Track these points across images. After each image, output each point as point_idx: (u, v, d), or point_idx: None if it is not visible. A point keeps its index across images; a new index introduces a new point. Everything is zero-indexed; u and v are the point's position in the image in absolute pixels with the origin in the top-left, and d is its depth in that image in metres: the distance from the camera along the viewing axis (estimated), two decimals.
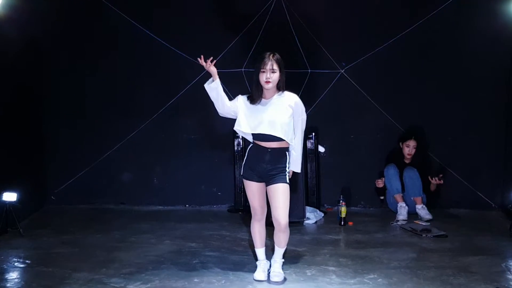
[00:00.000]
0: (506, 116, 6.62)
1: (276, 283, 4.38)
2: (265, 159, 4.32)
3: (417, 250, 5.23)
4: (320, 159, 6.89)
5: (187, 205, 7.04)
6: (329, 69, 6.80)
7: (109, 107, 6.92)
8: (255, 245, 4.56)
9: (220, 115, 4.48)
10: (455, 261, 4.88)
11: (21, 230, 5.60)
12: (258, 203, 4.43)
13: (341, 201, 6.19)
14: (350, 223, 6.18)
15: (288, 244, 4.52)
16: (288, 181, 4.35)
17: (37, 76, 6.71)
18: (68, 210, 6.74)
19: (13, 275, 4.57)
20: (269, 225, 4.48)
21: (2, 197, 5.56)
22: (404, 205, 6.34)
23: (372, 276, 4.51)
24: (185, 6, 6.81)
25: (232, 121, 4.45)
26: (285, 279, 4.44)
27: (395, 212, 6.39)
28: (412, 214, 6.35)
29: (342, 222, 6.15)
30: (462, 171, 6.71)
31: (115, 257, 4.96)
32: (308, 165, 6.68)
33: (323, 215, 6.50)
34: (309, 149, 6.69)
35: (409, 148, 6.57)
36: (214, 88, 4.37)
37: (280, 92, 4.37)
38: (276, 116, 4.29)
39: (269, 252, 4.68)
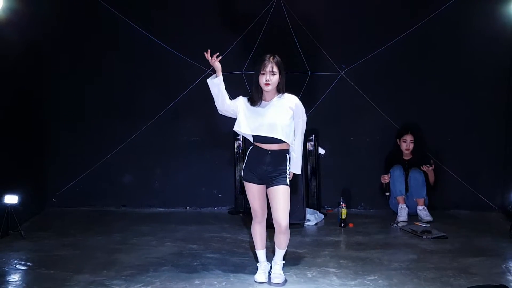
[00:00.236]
0: (506, 116, 6.63)
1: (277, 284, 4.38)
2: (266, 161, 4.33)
3: (418, 252, 5.24)
4: (320, 160, 6.90)
5: (187, 207, 7.05)
6: (329, 71, 6.81)
7: (110, 110, 6.94)
8: (256, 247, 4.57)
9: (220, 112, 4.48)
10: (455, 262, 4.88)
11: (22, 232, 5.60)
12: (259, 205, 4.44)
13: (341, 203, 6.20)
14: (351, 225, 6.18)
15: (288, 246, 4.53)
16: (288, 183, 4.36)
17: (38, 79, 6.73)
18: (69, 212, 6.75)
19: (14, 278, 4.58)
20: (270, 227, 4.49)
21: (3, 200, 5.56)
22: (405, 206, 6.36)
23: (372, 278, 4.51)
24: (185, 8, 6.82)
25: (233, 122, 4.46)
26: (285, 280, 4.44)
27: (396, 213, 6.40)
28: (413, 216, 6.36)
29: (343, 224, 6.16)
30: (462, 172, 6.72)
31: (116, 259, 4.97)
32: (308, 166, 6.69)
33: (323, 216, 6.51)
34: (309, 151, 6.70)
35: (406, 143, 6.58)
36: (217, 84, 4.37)
37: (280, 94, 4.38)
38: (277, 118, 4.30)
39: (270, 254, 4.69)
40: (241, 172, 4.49)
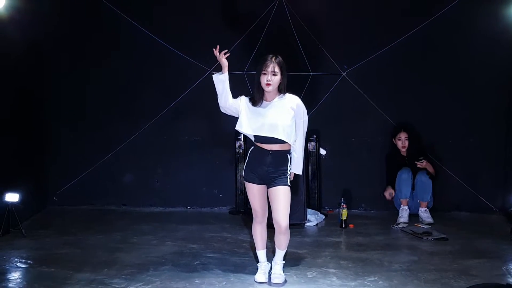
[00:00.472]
0: (507, 118, 6.64)
1: (277, 285, 4.38)
2: (267, 161, 4.33)
3: (418, 253, 5.24)
4: (321, 161, 6.90)
5: (188, 207, 7.06)
6: (330, 71, 6.82)
7: (111, 109, 6.95)
8: (256, 247, 4.57)
9: (222, 110, 4.45)
10: (456, 264, 4.88)
11: (23, 230, 5.61)
12: (259, 205, 4.44)
13: (342, 204, 6.20)
14: (351, 226, 6.19)
15: (289, 246, 4.53)
16: (289, 184, 4.36)
17: (39, 78, 6.73)
18: (70, 211, 6.76)
19: (15, 276, 4.59)
20: (270, 227, 4.49)
21: (4, 198, 5.58)
22: (407, 208, 6.37)
23: (372, 279, 4.51)
24: (187, 8, 6.83)
25: (234, 122, 4.46)
26: (285, 281, 4.44)
27: (398, 209, 6.43)
28: (414, 217, 6.37)
29: (343, 225, 6.16)
30: (463, 174, 6.72)
31: (117, 258, 4.98)
32: (309, 167, 6.69)
33: (324, 217, 6.51)
34: (310, 151, 6.70)
35: (401, 141, 6.60)
36: (222, 81, 4.35)
37: (282, 94, 4.38)
38: (278, 118, 4.30)
39: (270, 254, 4.69)
40: (242, 172, 4.49)
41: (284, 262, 4.53)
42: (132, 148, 6.92)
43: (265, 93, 4.35)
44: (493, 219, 6.54)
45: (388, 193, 6.62)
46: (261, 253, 4.55)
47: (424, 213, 6.34)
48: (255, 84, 4.36)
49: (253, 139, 4.45)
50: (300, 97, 4.44)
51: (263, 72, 4.29)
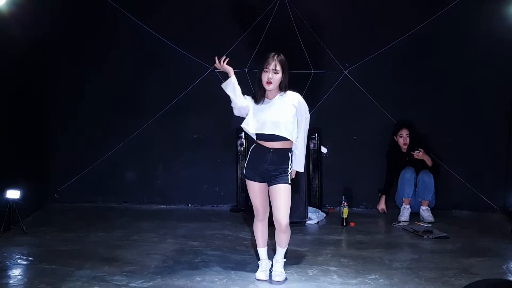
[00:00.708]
0: (509, 117, 6.62)
1: (278, 282, 4.39)
2: (267, 159, 4.33)
3: (419, 251, 5.24)
4: (323, 159, 6.90)
5: (189, 204, 7.06)
6: (332, 70, 6.81)
7: (112, 106, 6.94)
8: (257, 244, 4.57)
9: (236, 113, 4.44)
10: (457, 262, 4.88)
11: (24, 227, 5.62)
12: (260, 203, 4.44)
13: (343, 202, 6.20)
14: (352, 224, 6.18)
15: (290, 244, 4.54)
16: (289, 182, 4.36)
17: (40, 75, 6.73)
18: (71, 208, 6.76)
19: (16, 272, 4.60)
20: (272, 225, 4.49)
21: (5, 195, 5.58)
22: (408, 207, 6.37)
23: (373, 277, 4.52)
24: (189, 6, 6.82)
25: (235, 120, 4.46)
26: (286, 278, 4.45)
27: (399, 208, 6.43)
28: (415, 216, 6.37)
29: (344, 223, 6.16)
30: (464, 173, 6.71)
31: (118, 255, 4.98)
32: (311, 165, 6.68)
33: (325, 215, 6.51)
34: (311, 149, 6.70)
35: (402, 138, 6.61)
36: (232, 84, 4.33)
37: (282, 92, 4.37)
38: (280, 116, 4.30)
39: (271, 251, 4.69)
40: (243, 170, 4.49)
41: (285, 260, 4.54)
42: (133, 145, 6.92)
43: (266, 91, 4.35)
44: (494, 217, 6.54)
45: (381, 208, 6.69)
46: (262, 251, 4.56)
47: (425, 212, 6.34)
48: (256, 81, 4.36)
49: (254, 136, 4.45)
50: (302, 95, 4.44)
51: (265, 70, 4.29)
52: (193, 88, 6.83)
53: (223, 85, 4.38)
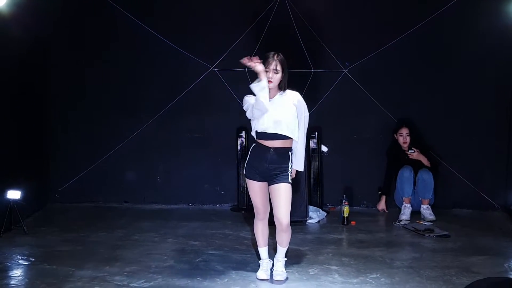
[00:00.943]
0: (509, 116, 6.62)
1: (279, 282, 4.39)
2: (268, 158, 4.33)
3: (420, 250, 5.24)
4: (323, 158, 6.89)
5: (190, 204, 7.06)
6: (332, 68, 6.80)
7: (113, 106, 6.94)
8: (258, 244, 4.57)
9: (250, 117, 4.35)
10: (458, 261, 4.88)
11: (25, 228, 5.62)
12: (261, 202, 4.44)
13: (343, 201, 6.20)
14: (353, 223, 6.18)
15: (290, 243, 4.54)
16: (290, 181, 4.36)
17: (41, 75, 6.73)
18: (71, 208, 6.76)
19: (17, 273, 4.60)
20: (272, 224, 4.49)
21: (6, 195, 5.57)
22: (409, 205, 6.38)
23: (374, 276, 4.51)
24: (189, 5, 6.82)
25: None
26: (287, 278, 4.45)
27: (399, 208, 6.42)
28: (416, 214, 6.37)
29: (345, 222, 6.15)
30: (465, 171, 6.71)
31: (118, 255, 4.98)
32: (311, 164, 6.68)
33: (325, 214, 6.51)
34: (312, 148, 6.70)
35: (402, 137, 6.61)
36: (263, 88, 4.22)
37: (282, 91, 4.37)
38: (281, 114, 4.29)
39: (272, 251, 4.69)
40: (244, 169, 4.49)
41: (286, 259, 4.53)
42: (134, 145, 6.92)
43: None
44: (495, 216, 6.53)
45: (381, 208, 6.70)
46: (263, 250, 4.56)
47: (426, 210, 6.34)
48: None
49: (254, 136, 4.44)
50: (301, 94, 4.44)
51: (265, 70, 4.28)
52: (193, 88, 6.83)
53: (255, 88, 4.24)
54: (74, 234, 5.65)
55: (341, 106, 6.90)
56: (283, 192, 4.31)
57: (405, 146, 6.62)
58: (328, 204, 6.93)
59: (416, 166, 6.48)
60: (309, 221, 6.20)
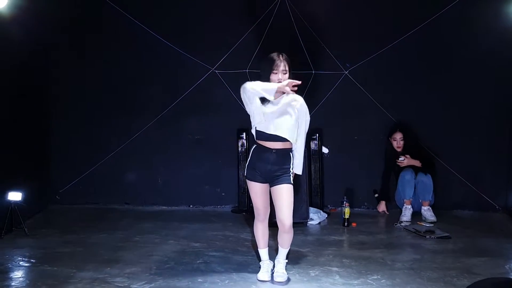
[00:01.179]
0: (510, 117, 6.62)
1: (280, 283, 4.39)
2: (270, 160, 4.32)
3: (421, 252, 5.23)
4: (324, 160, 6.89)
5: (191, 206, 7.06)
6: (333, 70, 6.81)
7: (113, 108, 6.94)
8: (258, 245, 4.57)
9: (242, 96, 4.29)
10: (459, 262, 4.88)
11: (26, 229, 5.61)
12: (262, 204, 4.44)
13: (344, 202, 6.19)
14: (354, 224, 6.18)
15: (291, 245, 4.53)
16: (292, 182, 4.36)
17: (42, 77, 6.73)
18: (72, 209, 6.76)
19: (17, 274, 4.60)
20: (273, 225, 4.49)
21: (7, 197, 5.58)
22: (410, 207, 6.38)
23: (375, 277, 4.51)
24: (190, 7, 6.82)
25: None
26: (288, 279, 4.44)
27: (400, 208, 6.42)
28: (416, 216, 6.37)
29: (346, 223, 6.15)
30: (466, 173, 6.71)
31: (119, 256, 4.98)
32: (312, 166, 6.69)
33: (326, 216, 6.50)
34: (312, 150, 6.70)
35: (396, 141, 6.61)
36: (272, 89, 4.18)
37: (286, 93, 4.37)
38: (283, 117, 4.29)
39: (273, 252, 4.69)
40: (245, 170, 4.49)
41: (287, 260, 4.53)
42: (135, 146, 6.92)
43: None
44: (496, 217, 6.53)
45: (381, 210, 6.71)
46: (263, 252, 4.56)
47: (427, 212, 6.34)
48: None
49: (254, 134, 4.42)
50: (302, 96, 4.44)
51: (274, 71, 4.27)
52: (194, 89, 6.83)
53: (267, 93, 4.20)
54: (75, 236, 5.66)
55: (341, 107, 6.90)
56: (285, 193, 4.31)
57: (399, 150, 6.62)
58: (329, 206, 6.93)
59: (416, 168, 6.48)
60: (309, 222, 6.20)
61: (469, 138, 6.74)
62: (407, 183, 6.40)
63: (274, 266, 4.54)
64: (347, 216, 6.15)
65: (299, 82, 4.23)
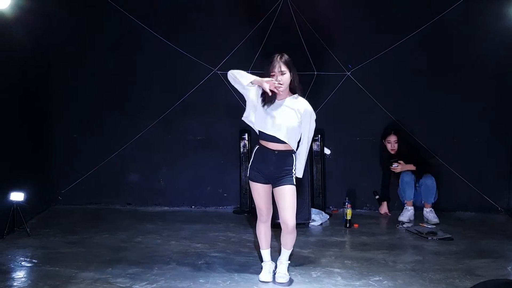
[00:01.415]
0: None
1: (282, 284, 4.39)
2: (272, 161, 4.32)
3: (423, 253, 5.23)
4: (326, 161, 6.89)
5: (192, 206, 7.05)
6: (335, 71, 6.80)
7: (115, 108, 6.95)
8: (261, 246, 4.57)
9: (230, 78, 4.36)
10: (461, 264, 4.88)
11: (28, 229, 5.62)
12: (264, 205, 4.44)
13: (346, 203, 6.19)
14: (356, 225, 6.17)
15: (293, 246, 4.53)
16: (294, 183, 4.35)
17: (44, 77, 6.74)
18: (74, 210, 6.77)
19: (20, 275, 4.60)
20: (275, 226, 4.49)
21: (9, 197, 5.58)
22: (410, 208, 6.39)
23: (377, 278, 4.51)
24: (192, 8, 6.82)
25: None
26: (290, 280, 4.45)
27: (403, 202, 6.45)
28: (419, 218, 6.37)
29: (348, 224, 6.15)
30: (468, 174, 6.70)
31: (121, 257, 4.99)
32: (314, 167, 6.68)
33: (328, 217, 6.50)
34: (314, 151, 6.70)
35: (390, 144, 6.61)
36: (250, 78, 4.28)
37: (294, 95, 4.35)
38: (283, 119, 4.28)
39: (274, 253, 4.69)
40: (247, 171, 4.49)
41: (289, 262, 4.53)
42: (137, 147, 6.92)
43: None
44: (499, 219, 6.53)
45: (384, 212, 6.71)
46: (265, 253, 4.56)
47: (430, 214, 6.34)
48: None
49: (258, 133, 4.43)
50: (304, 97, 4.43)
51: (271, 73, 4.27)
52: (196, 90, 6.83)
53: (248, 83, 4.29)
54: (77, 236, 5.66)
55: (344, 108, 6.89)
56: (288, 194, 4.31)
57: (393, 152, 6.61)
58: (330, 207, 6.93)
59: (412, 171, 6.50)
60: (311, 223, 6.20)
61: (472, 140, 6.74)
62: (406, 184, 6.40)
63: (276, 267, 4.53)
64: (349, 217, 6.15)
65: (281, 85, 4.21)
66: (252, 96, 4.36)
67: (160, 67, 6.91)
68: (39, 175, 6.56)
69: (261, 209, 4.45)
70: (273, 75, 4.25)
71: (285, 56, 4.30)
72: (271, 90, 4.20)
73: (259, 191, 4.40)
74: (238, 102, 6.46)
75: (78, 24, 6.83)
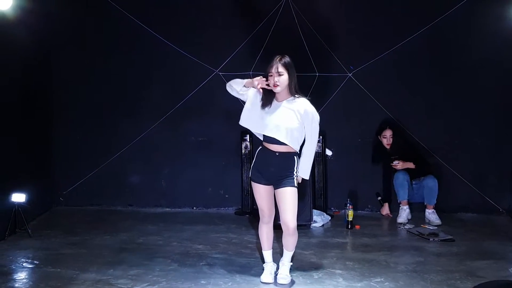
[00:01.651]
0: None
1: (283, 285, 4.38)
2: (273, 162, 4.32)
3: (424, 254, 5.22)
4: (327, 162, 6.89)
5: (194, 207, 7.06)
6: (337, 72, 6.80)
7: (117, 109, 6.96)
8: (263, 247, 4.56)
9: (228, 88, 4.49)
10: (462, 265, 4.87)
11: (29, 231, 5.62)
12: (266, 206, 4.44)
13: (348, 205, 6.18)
14: (357, 227, 6.17)
15: (295, 247, 4.52)
16: (296, 185, 4.35)
17: (46, 78, 6.75)
18: (76, 211, 6.77)
19: (21, 276, 4.60)
20: (277, 228, 4.49)
21: (11, 198, 5.59)
22: (405, 208, 6.40)
23: (379, 280, 4.50)
24: (194, 9, 6.84)
25: (238, 124, 4.47)
26: (292, 282, 4.44)
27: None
28: (420, 219, 6.36)
29: (349, 226, 6.14)
30: (470, 175, 6.70)
31: (123, 258, 4.99)
32: (315, 168, 6.67)
33: (330, 218, 6.50)
34: (316, 152, 6.65)
35: (386, 139, 6.63)
36: (241, 83, 4.40)
37: (293, 97, 4.34)
38: (282, 120, 4.28)
39: (276, 254, 4.68)
40: (249, 172, 4.48)
41: (291, 263, 4.53)
42: (139, 148, 6.93)
43: (276, 93, 4.33)
44: (500, 220, 6.52)
45: (385, 213, 6.71)
46: (267, 254, 4.55)
47: (432, 215, 6.33)
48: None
49: (261, 138, 4.44)
50: (306, 98, 4.42)
51: (269, 74, 4.28)
52: (198, 91, 6.84)
53: (242, 87, 4.40)
54: (78, 237, 5.66)
55: (345, 109, 6.89)
56: (289, 196, 4.30)
57: (388, 147, 6.61)
58: (332, 208, 6.93)
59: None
60: (313, 225, 6.19)
61: (473, 141, 6.74)
62: (400, 184, 6.41)
63: (277, 268, 4.53)
64: (350, 218, 6.14)
65: (277, 85, 4.24)
66: (251, 95, 4.37)
67: (162, 68, 6.93)
68: (41, 176, 6.57)
69: (263, 210, 4.45)
70: (271, 75, 4.27)
71: (286, 58, 4.30)
72: (264, 89, 4.26)
73: (261, 192, 4.40)
74: (239, 104, 6.47)
75: (80, 24, 6.84)
